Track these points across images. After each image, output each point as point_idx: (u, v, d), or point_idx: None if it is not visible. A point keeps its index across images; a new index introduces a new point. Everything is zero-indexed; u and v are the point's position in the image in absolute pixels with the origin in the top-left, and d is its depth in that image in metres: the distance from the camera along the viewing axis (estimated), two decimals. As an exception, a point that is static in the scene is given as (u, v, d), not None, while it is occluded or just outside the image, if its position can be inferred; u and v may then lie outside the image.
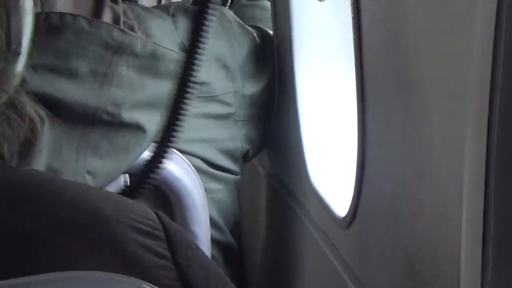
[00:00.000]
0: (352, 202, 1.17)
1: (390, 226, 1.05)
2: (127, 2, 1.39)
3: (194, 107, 1.35)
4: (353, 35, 1.14)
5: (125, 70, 1.28)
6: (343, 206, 1.25)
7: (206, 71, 1.37)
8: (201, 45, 1.28)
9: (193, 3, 1.56)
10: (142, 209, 0.69)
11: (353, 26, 1.12)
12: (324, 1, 1.45)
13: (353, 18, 1.11)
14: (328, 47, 1.51)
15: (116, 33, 1.27)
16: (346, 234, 1.24)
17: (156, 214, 0.68)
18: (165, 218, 0.68)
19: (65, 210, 0.63)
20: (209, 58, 1.38)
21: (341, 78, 1.48)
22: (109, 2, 1.23)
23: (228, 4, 1.72)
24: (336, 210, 1.30)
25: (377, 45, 1.06)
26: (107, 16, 1.28)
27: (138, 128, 1.30)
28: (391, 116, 1.03)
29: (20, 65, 0.81)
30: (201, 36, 1.29)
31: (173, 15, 1.43)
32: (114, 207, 0.66)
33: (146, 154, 1.32)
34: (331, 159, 1.43)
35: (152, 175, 1.27)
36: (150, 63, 1.33)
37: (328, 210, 1.33)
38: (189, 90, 1.25)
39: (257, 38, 1.57)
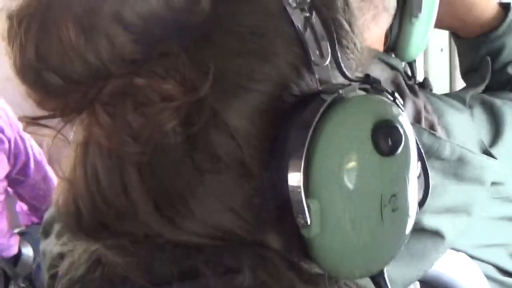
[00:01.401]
0: None
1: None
2: (421, 89, 1.38)
3: (489, 209, 1.38)
4: None
5: None
6: None
7: (503, 171, 1.39)
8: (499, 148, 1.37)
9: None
10: None
11: None
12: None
13: None
14: None
15: (426, 137, 1.28)
16: None
17: None
18: None
19: None
20: (506, 154, 1.41)
21: None
22: (410, 93, 1.21)
23: None
24: None
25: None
26: (409, 111, 1.27)
27: (437, 234, 1.30)
28: None
29: None
30: (499, 134, 1.38)
31: (469, 106, 1.42)
32: None
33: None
34: None
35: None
36: (455, 167, 1.32)
37: None
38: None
39: None
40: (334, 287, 0.78)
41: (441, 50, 2.80)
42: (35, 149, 3.42)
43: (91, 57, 0.69)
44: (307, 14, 0.74)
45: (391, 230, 0.75)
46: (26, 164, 3.40)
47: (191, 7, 0.71)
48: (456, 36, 1.74)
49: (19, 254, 3.45)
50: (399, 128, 0.73)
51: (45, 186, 3.48)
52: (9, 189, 3.47)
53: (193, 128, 0.71)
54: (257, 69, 0.73)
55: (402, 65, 1.50)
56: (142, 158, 0.72)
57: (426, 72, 2.82)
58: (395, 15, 1.41)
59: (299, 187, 0.70)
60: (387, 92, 0.79)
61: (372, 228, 0.74)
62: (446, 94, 1.48)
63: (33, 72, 0.71)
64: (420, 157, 0.78)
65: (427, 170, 0.80)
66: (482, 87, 1.53)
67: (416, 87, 1.36)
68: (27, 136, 3.36)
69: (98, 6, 0.69)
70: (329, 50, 0.75)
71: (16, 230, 3.56)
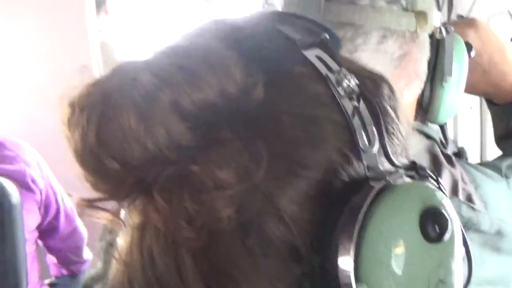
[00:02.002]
0: None
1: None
2: (457, 158, 1.39)
3: None
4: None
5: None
6: None
7: None
8: None
9: None
10: None
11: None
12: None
13: None
14: None
15: (465, 210, 1.30)
16: None
17: None
18: None
19: None
20: None
21: None
22: (447, 164, 1.23)
23: None
24: None
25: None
26: (446, 182, 1.29)
27: None
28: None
29: None
30: None
31: (506, 176, 1.43)
32: None
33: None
34: None
35: None
36: (494, 239, 1.33)
37: None
38: None
39: None
40: None
41: (471, 107, 2.81)
42: (66, 202, 3.44)
43: (149, 144, 0.71)
44: (356, 103, 0.76)
45: None
46: (56, 216, 3.41)
47: (245, 95, 0.74)
48: (490, 102, 1.76)
49: (49, 305, 3.45)
50: (445, 214, 0.74)
51: (75, 240, 3.51)
52: (39, 241, 3.49)
53: (246, 214, 0.72)
54: (308, 155, 0.74)
55: (438, 134, 1.52)
56: (196, 243, 0.73)
57: (455, 130, 2.81)
58: (426, 80, 1.43)
59: (349, 271, 0.70)
60: (432, 177, 0.80)
61: None
62: (482, 163, 1.48)
63: (94, 158, 0.73)
64: (464, 241, 0.78)
65: (469, 253, 0.81)
66: None
67: (453, 157, 1.37)
68: (58, 189, 3.39)
69: (156, 95, 0.72)
70: (377, 137, 0.76)
71: (46, 281, 3.57)
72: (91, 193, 0.78)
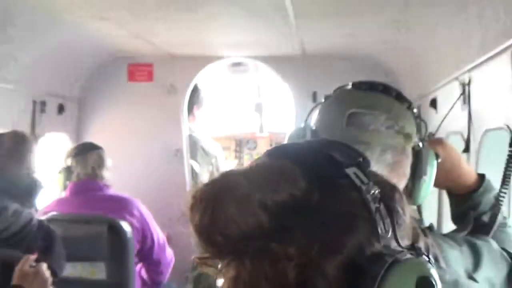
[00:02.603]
0: None
1: None
2: (428, 230, 1.38)
3: None
4: None
5: None
6: None
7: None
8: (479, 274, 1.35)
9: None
10: None
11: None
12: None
13: None
14: None
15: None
16: None
17: None
18: None
19: None
20: (483, 278, 1.38)
21: None
22: (423, 235, 1.25)
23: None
24: None
25: None
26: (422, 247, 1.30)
27: None
28: None
29: None
30: (479, 265, 1.37)
31: (459, 245, 1.40)
32: None
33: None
34: None
35: None
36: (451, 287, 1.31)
37: None
38: None
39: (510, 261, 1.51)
40: None
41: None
42: (160, 237, 3.38)
43: (244, 227, 0.74)
44: (377, 205, 0.76)
45: None
46: (151, 247, 3.33)
47: (306, 197, 0.75)
48: (449, 193, 1.75)
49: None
50: (433, 280, 0.75)
51: (164, 263, 3.41)
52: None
53: (304, 276, 0.73)
54: (345, 239, 0.74)
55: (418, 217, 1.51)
56: (270, 287, 0.74)
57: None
58: (409, 178, 1.43)
59: None
60: (425, 254, 0.80)
61: None
62: (444, 235, 1.47)
63: (206, 233, 0.76)
64: None
65: None
66: (467, 231, 1.52)
67: (426, 230, 1.36)
68: (154, 227, 3.34)
69: (249, 194, 0.75)
70: (390, 228, 0.77)
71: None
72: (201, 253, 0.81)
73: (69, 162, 3.29)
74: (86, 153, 3.29)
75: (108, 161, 3.35)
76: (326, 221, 0.75)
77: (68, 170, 3.28)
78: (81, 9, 2.78)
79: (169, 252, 3.45)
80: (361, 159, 0.81)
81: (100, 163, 3.30)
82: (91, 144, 3.42)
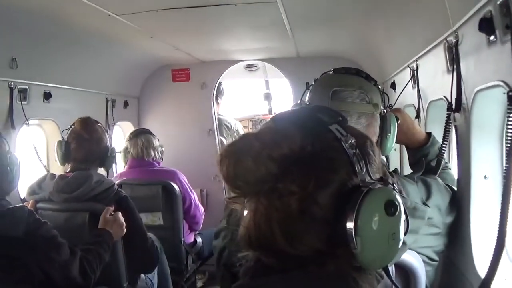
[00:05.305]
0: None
1: None
2: (393, 172, 1.36)
3: (425, 230, 1.37)
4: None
5: None
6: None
7: (433, 212, 1.37)
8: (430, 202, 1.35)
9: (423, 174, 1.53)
10: None
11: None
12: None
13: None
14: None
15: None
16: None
17: None
18: None
19: None
20: (433, 204, 1.38)
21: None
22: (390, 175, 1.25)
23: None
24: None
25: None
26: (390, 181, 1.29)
27: (404, 243, 1.29)
28: None
29: None
30: (429, 195, 1.37)
31: (416, 182, 1.41)
32: None
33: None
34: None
35: None
36: (412, 211, 1.31)
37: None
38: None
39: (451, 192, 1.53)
40: (367, 273, 0.77)
41: (394, 149, 2.74)
42: (196, 198, 3.29)
43: (257, 174, 0.73)
44: (354, 150, 0.75)
45: (393, 248, 0.75)
46: (190, 205, 3.24)
47: (302, 150, 0.74)
48: (406, 147, 1.74)
49: (194, 242, 3.38)
50: (397, 203, 0.74)
51: (198, 217, 3.32)
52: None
53: (303, 205, 0.73)
54: (332, 176, 0.74)
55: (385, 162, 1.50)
56: (279, 215, 0.74)
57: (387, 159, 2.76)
58: (378, 135, 1.42)
59: (351, 229, 0.71)
60: (391, 184, 0.79)
61: (384, 247, 0.74)
62: (404, 176, 1.46)
63: (231, 180, 0.75)
64: (405, 213, 0.77)
65: (407, 218, 0.79)
66: (420, 173, 1.52)
67: (392, 172, 1.36)
68: (190, 191, 3.24)
69: (260, 151, 0.74)
70: (364, 166, 0.76)
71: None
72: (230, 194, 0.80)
73: (126, 144, 3.25)
74: (137, 137, 3.20)
75: (156, 142, 3.24)
76: (317, 165, 0.74)
77: (125, 150, 3.23)
78: (137, 32, 2.78)
79: (201, 209, 3.36)
80: (340, 118, 0.79)
81: (147, 145, 3.18)
82: (141, 130, 3.32)
